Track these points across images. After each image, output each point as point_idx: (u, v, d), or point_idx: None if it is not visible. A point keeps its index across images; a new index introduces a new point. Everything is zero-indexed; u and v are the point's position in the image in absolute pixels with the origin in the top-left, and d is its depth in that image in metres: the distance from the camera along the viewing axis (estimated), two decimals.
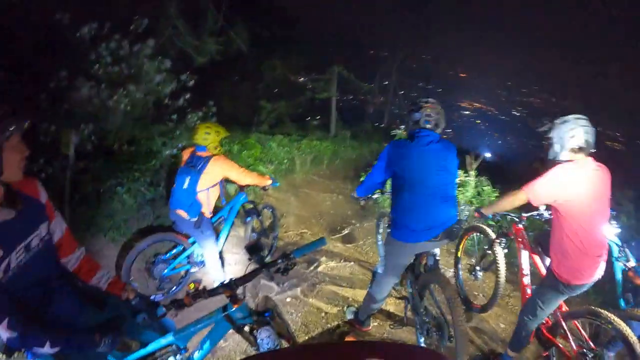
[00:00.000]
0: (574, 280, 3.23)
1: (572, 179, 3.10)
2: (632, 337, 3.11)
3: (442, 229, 3.40)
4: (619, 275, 4.50)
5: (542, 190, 3.21)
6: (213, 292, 2.23)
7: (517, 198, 3.37)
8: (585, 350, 3.41)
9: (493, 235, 4.60)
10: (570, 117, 3.27)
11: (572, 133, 3.18)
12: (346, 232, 6.44)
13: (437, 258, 3.70)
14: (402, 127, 3.36)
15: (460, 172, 7.35)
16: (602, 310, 3.34)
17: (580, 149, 3.17)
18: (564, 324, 3.53)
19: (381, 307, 4.20)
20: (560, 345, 3.62)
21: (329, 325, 4.21)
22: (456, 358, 3.13)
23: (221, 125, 4.55)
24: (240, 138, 8.61)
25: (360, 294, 4.59)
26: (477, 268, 4.88)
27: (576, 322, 3.53)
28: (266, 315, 2.29)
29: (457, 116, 70.30)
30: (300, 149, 9.91)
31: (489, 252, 4.69)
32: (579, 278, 3.22)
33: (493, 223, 5.46)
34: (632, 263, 4.27)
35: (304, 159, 9.65)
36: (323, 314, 4.38)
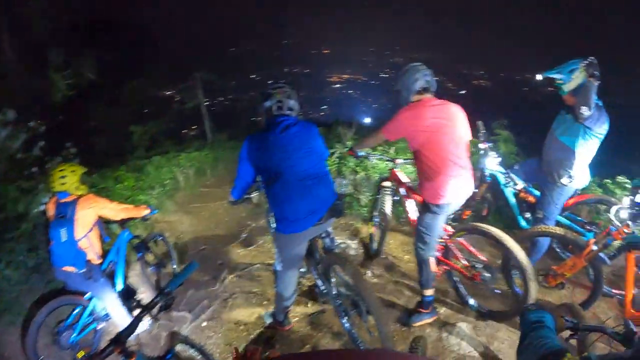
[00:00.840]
0: (437, 199, 3.66)
1: (418, 114, 3.53)
2: (509, 242, 3.60)
3: (325, 210, 3.45)
4: (512, 200, 4.92)
5: (393, 127, 3.67)
6: (104, 353, 2.07)
7: (378, 137, 3.92)
8: (474, 262, 3.96)
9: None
10: (409, 65, 3.76)
11: (414, 78, 3.63)
12: (244, 235, 6.38)
13: (332, 237, 3.81)
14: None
15: (339, 145, 7.54)
16: (479, 224, 3.86)
17: (425, 90, 3.68)
18: (451, 245, 4.05)
19: (296, 300, 4.20)
20: (457, 265, 4.07)
21: (252, 336, 4.19)
22: (378, 330, 3.27)
23: (83, 164, 4.32)
24: (114, 171, 8.25)
25: (273, 294, 4.52)
26: (374, 215, 5.29)
27: (462, 240, 4.02)
28: (167, 357, 2.25)
29: (329, 91, 71.80)
30: (179, 165, 9.67)
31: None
32: (440, 197, 3.64)
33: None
34: (520, 185, 4.66)
35: (186, 174, 9.42)
36: (242, 326, 4.34)
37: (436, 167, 3.58)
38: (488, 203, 5.57)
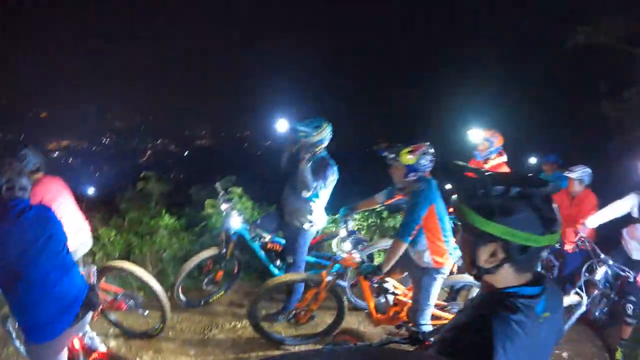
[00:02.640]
0: None
1: None
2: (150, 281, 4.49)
3: (79, 306, 3.00)
4: (260, 252, 5.18)
5: None
6: None
7: None
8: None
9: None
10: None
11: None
12: None
13: (92, 336, 3.54)
14: None
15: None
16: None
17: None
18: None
19: None
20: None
21: None
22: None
23: None
24: None
25: None
26: None
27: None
28: None
29: (49, 160, 65.63)
30: None
31: None
32: None
33: None
34: (266, 237, 4.85)
35: None
36: None
37: None
38: (237, 260, 5.67)
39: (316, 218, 4.79)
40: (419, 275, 4.10)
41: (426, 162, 3.86)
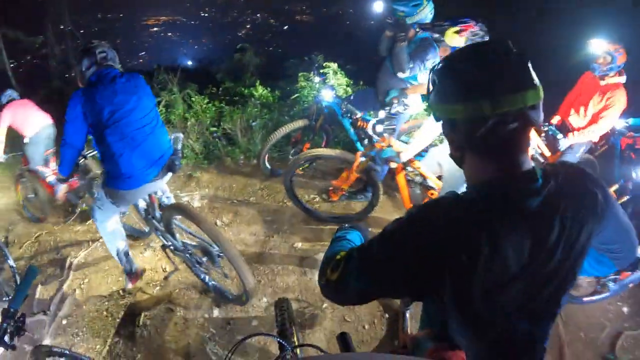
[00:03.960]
0: None
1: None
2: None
3: (161, 165, 3.32)
4: (350, 129, 4.95)
5: None
6: None
7: None
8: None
9: None
10: None
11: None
12: (78, 210, 5.52)
13: (167, 194, 3.66)
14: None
15: (164, 92, 6.97)
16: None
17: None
18: None
19: (150, 267, 4.16)
20: None
21: (117, 320, 3.74)
22: (238, 272, 3.21)
23: None
24: None
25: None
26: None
27: None
28: None
29: (146, 36, 67.83)
30: None
31: None
32: None
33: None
34: (357, 114, 4.64)
35: None
36: (105, 312, 3.86)
37: None
38: (326, 134, 5.56)
39: (411, 101, 4.46)
40: (450, 176, 3.69)
41: None
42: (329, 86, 5.06)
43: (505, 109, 1.05)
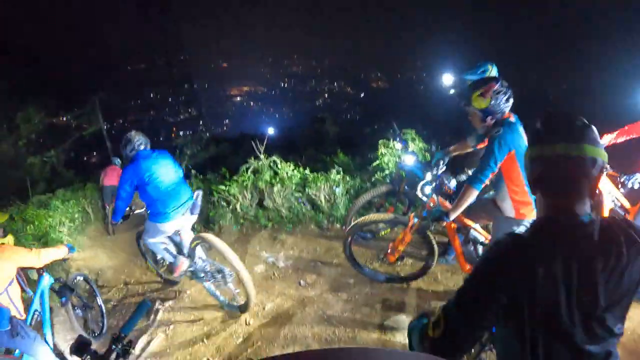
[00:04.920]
0: None
1: None
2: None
3: (185, 208, 4.76)
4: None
5: None
6: None
7: None
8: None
9: None
10: None
11: None
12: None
13: (189, 231, 4.99)
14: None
15: (251, 159, 7.40)
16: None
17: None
18: None
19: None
20: None
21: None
22: (246, 288, 4.31)
23: None
24: (20, 210, 7.66)
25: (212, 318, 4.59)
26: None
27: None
28: None
29: (230, 104, 71.33)
30: (87, 196, 9.17)
31: None
32: None
33: None
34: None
35: (95, 205, 8.95)
36: (188, 356, 4.16)
37: None
38: (408, 198, 5.70)
39: None
40: (498, 224, 3.77)
41: (502, 102, 3.43)
42: (411, 152, 5.22)
43: (571, 152, 1.35)
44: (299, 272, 5.34)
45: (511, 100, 3.46)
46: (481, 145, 4.12)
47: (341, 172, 6.90)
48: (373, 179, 6.83)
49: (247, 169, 7.25)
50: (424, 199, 4.13)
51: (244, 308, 4.57)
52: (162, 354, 4.24)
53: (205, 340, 4.32)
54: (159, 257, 5.36)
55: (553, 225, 1.39)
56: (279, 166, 7.18)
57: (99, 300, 4.87)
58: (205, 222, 7.19)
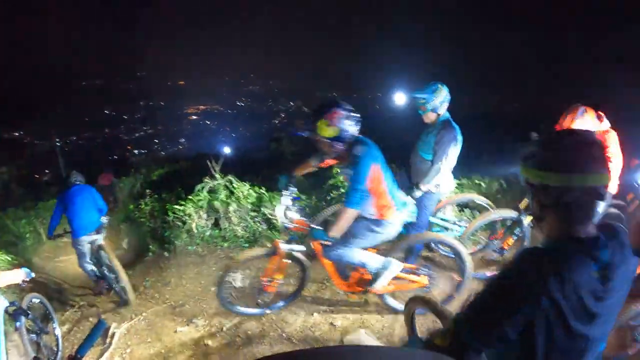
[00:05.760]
0: None
1: None
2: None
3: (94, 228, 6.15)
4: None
5: None
6: None
7: None
8: None
9: None
10: None
11: None
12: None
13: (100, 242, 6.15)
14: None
15: (207, 179, 7.40)
16: None
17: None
18: None
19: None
20: None
21: None
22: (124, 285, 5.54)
23: None
24: None
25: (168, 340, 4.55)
26: None
27: None
28: None
29: (186, 123, 70.78)
30: (38, 215, 8.94)
31: None
32: None
33: None
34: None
35: (46, 224, 8.71)
36: None
37: None
38: None
39: (442, 181, 4.77)
40: (359, 222, 3.91)
41: (350, 126, 3.65)
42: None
43: (589, 183, 1.42)
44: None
45: (358, 124, 3.70)
46: (323, 165, 4.40)
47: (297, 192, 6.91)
48: (329, 198, 6.93)
49: (202, 188, 7.24)
50: (290, 224, 4.13)
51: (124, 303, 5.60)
52: None
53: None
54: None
55: (570, 246, 1.47)
56: (235, 185, 7.22)
57: (55, 324, 4.76)
58: (160, 242, 7.14)
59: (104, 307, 5.62)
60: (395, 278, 4.22)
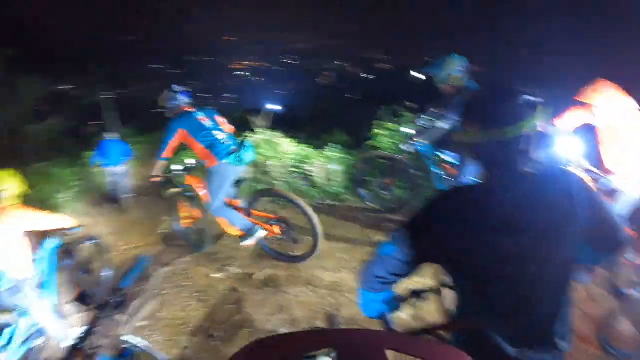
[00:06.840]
0: None
1: None
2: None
3: None
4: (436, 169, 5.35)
5: None
6: None
7: None
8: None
9: None
10: None
11: None
12: (164, 231, 6.23)
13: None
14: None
15: (250, 133, 7.42)
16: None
17: None
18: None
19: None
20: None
21: (190, 327, 4.13)
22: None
23: None
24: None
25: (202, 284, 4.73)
26: None
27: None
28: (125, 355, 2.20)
29: (232, 78, 70.86)
30: (85, 165, 9.17)
31: None
32: None
33: None
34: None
35: (93, 174, 8.95)
36: (179, 320, 4.25)
37: None
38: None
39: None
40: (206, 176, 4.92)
41: (174, 101, 5.01)
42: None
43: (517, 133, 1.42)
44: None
45: (184, 99, 5.03)
46: None
47: (340, 149, 7.01)
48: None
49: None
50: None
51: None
52: (155, 317, 4.34)
53: (196, 306, 4.43)
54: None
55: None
56: (276, 141, 7.26)
57: (105, 265, 4.96)
58: None
59: (147, 253, 5.74)
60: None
